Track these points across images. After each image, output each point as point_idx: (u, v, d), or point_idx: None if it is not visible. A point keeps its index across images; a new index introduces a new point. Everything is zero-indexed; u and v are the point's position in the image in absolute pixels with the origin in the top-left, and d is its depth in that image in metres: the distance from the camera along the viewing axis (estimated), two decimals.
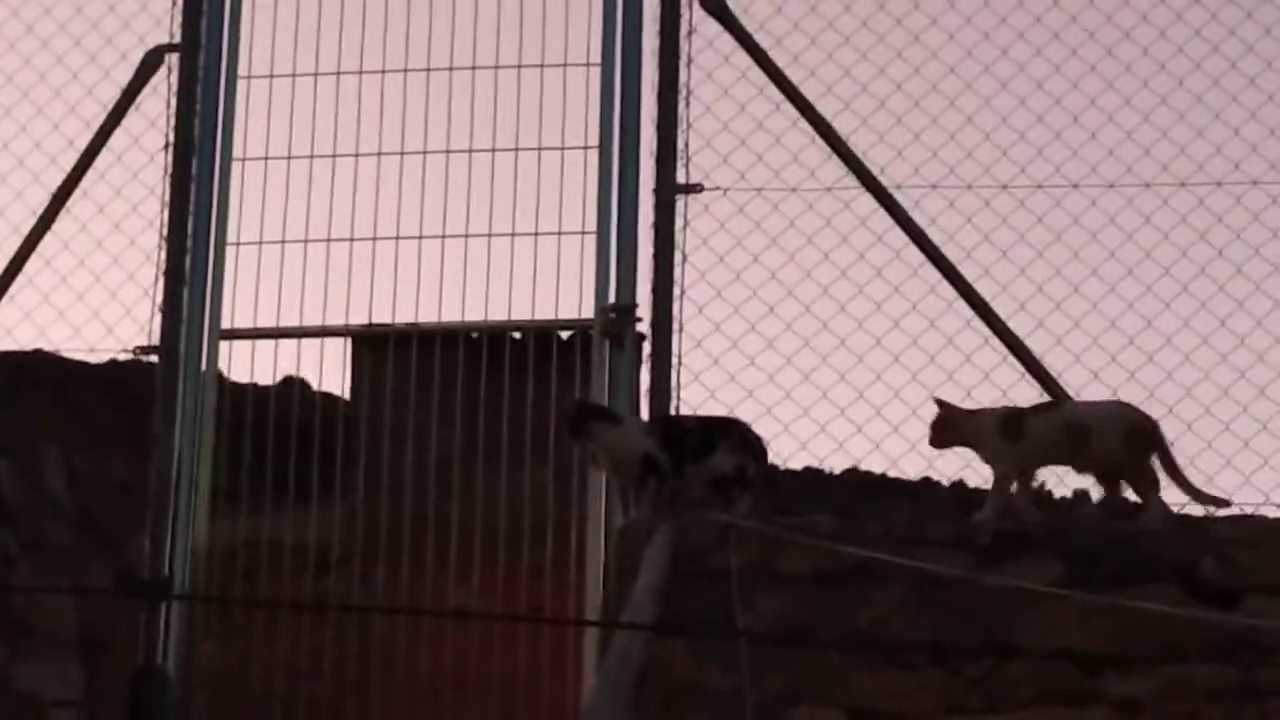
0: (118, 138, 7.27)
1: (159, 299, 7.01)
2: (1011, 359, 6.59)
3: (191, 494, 6.86)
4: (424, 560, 6.79)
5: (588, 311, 6.75)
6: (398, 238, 7.01)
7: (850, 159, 6.81)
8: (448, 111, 7.04)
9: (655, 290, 6.68)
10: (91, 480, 7.09)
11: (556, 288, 6.85)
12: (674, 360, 6.62)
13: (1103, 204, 6.74)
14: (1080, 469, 5.94)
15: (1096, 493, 6.08)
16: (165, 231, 7.07)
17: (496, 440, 6.85)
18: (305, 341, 7.05)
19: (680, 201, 6.74)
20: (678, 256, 6.71)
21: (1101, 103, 6.84)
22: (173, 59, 7.21)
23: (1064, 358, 6.60)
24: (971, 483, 6.70)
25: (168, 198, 7.09)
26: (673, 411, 6.54)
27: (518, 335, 6.97)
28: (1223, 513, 5.88)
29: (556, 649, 6.61)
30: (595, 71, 6.91)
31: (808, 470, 7.02)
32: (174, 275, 7.02)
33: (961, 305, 6.68)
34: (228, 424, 6.97)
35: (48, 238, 7.27)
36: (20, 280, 7.24)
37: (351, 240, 7.04)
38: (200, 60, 7.17)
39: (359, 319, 7.03)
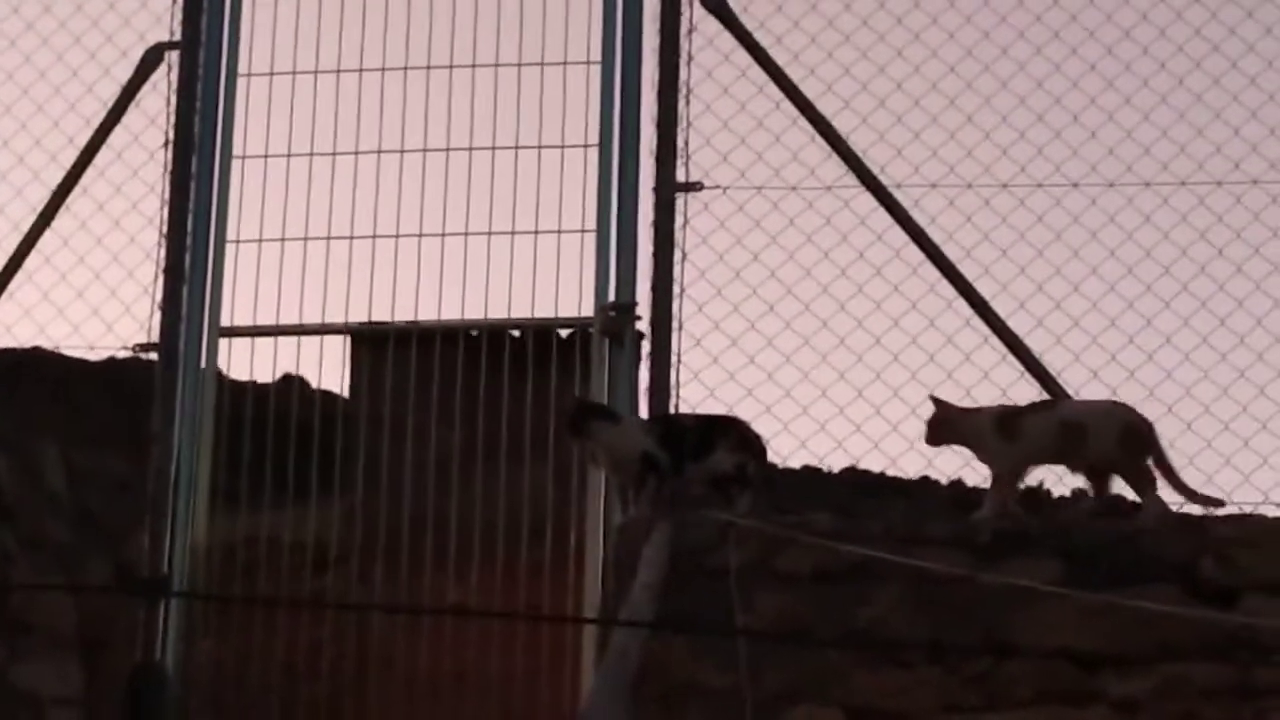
0: (118, 135, 7.28)
1: (159, 296, 7.01)
2: (1011, 358, 6.60)
3: (190, 492, 6.86)
4: (423, 559, 6.79)
5: (587, 310, 6.75)
6: (397, 236, 7.01)
7: (850, 157, 6.81)
8: (448, 109, 7.04)
9: (655, 288, 6.68)
10: (91, 478, 7.10)
11: (556, 286, 6.86)
12: (673, 358, 6.62)
13: (1102, 203, 6.74)
14: (1074, 468, 5.95)
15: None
16: (165, 229, 7.07)
17: (496, 438, 6.85)
18: (305, 339, 7.05)
19: (680, 200, 6.74)
20: (677, 255, 6.71)
21: (1101, 102, 6.84)
22: (173, 56, 7.21)
23: (1063, 356, 6.61)
24: (970, 481, 6.71)
25: (167, 195, 7.09)
26: (672, 410, 6.54)
27: (517, 333, 6.97)
28: (1222, 512, 5.89)
29: (555, 647, 6.61)
30: (595, 69, 6.91)
31: (806, 469, 7.02)
32: (174, 273, 7.02)
33: (961, 304, 6.68)
34: (227, 422, 6.97)
35: (47, 235, 7.27)
36: (20, 277, 7.24)
37: (351, 238, 7.04)
38: (200, 57, 7.17)
39: (358, 317, 7.02)
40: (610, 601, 5.90)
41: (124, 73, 7.29)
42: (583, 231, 6.82)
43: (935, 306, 6.70)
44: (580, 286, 6.78)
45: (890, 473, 6.87)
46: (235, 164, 7.13)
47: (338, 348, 7.08)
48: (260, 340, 7.03)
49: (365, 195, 7.05)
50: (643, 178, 6.78)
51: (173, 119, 7.15)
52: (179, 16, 7.21)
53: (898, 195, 6.77)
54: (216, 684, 6.93)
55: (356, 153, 7.09)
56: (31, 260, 7.26)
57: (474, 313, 6.94)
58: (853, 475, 7.30)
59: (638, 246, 6.74)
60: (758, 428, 6.15)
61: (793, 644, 5.53)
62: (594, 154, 6.85)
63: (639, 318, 6.69)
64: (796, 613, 5.59)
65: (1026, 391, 6.49)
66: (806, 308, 6.75)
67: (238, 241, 7.09)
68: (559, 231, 6.87)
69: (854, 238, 6.81)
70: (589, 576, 6.56)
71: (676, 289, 6.68)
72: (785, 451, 6.58)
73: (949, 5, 6.94)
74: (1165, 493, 5.84)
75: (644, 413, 6.52)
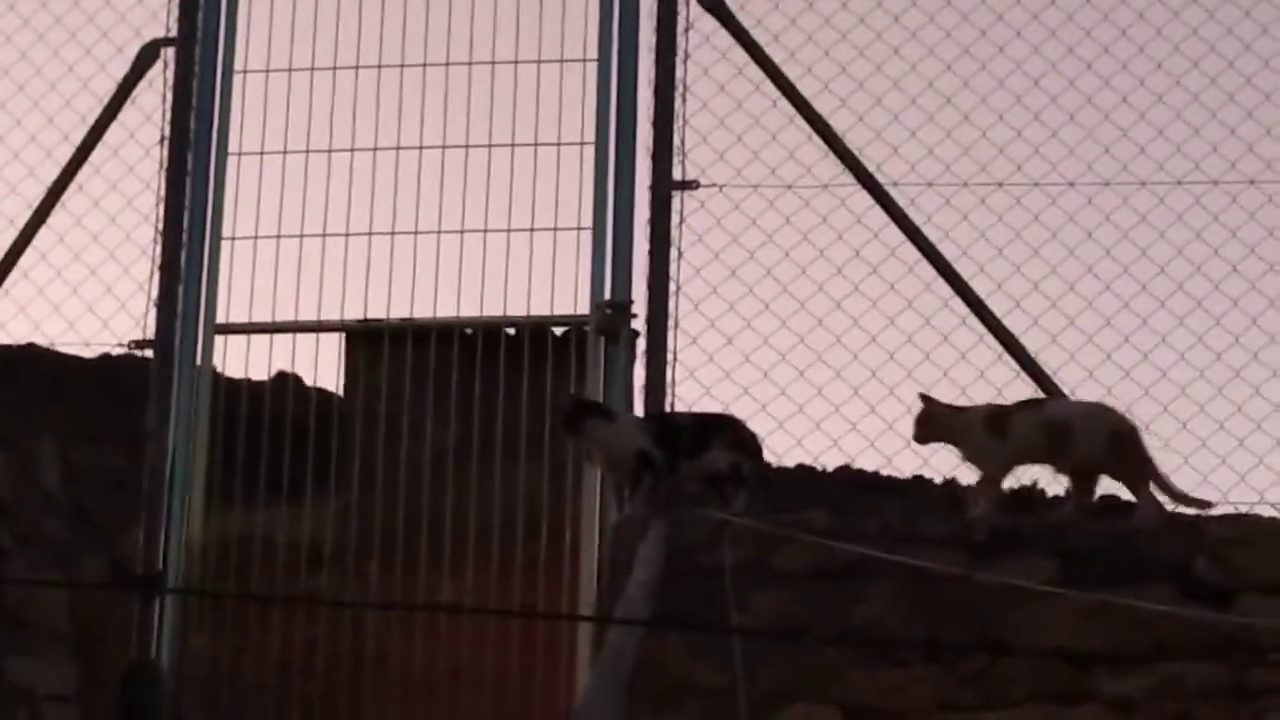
0: (113, 132, 7.27)
1: (154, 293, 7.00)
2: (1006, 357, 6.60)
3: (186, 489, 6.85)
4: (418, 557, 6.79)
5: (583, 307, 6.75)
6: (393, 233, 7.01)
7: (846, 156, 6.81)
8: (444, 107, 7.04)
9: (650, 286, 6.68)
10: (86, 474, 7.10)
11: (552, 283, 6.86)
12: (669, 356, 6.62)
13: (1098, 202, 6.74)
14: (1059, 469, 5.96)
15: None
16: (161, 225, 7.06)
17: (491, 436, 6.85)
18: (300, 337, 7.05)
19: (676, 198, 6.74)
20: (673, 253, 6.71)
21: (1098, 101, 6.84)
22: (169, 53, 7.20)
23: (1059, 355, 6.61)
24: (965, 480, 6.71)
25: (163, 192, 7.09)
26: (667, 408, 6.54)
27: (512, 331, 6.97)
28: (1217, 512, 5.89)
29: (550, 645, 6.61)
30: (592, 67, 6.91)
31: (800, 467, 7.03)
32: (169, 269, 7.02)
33: (957, 303, 6.68)
34: (222, 419, 6.96)
35: (43, 231, 7.26)
36: (15, 274, 7.24)
37: (347, 235, 7.04)
38: (196, 54, 7.16)
39: (354, 314, 7.02)
40: (605, 599, 5.90)
41: (120, 69, 7.29)
42: (578, 229, 6.82)
43: (931, 305, 6.71)
44: (576, 284, 6.79)
45: (884, 472, 6.87)
46: (231, 161, 7.13)
47: (333, 345, 7.09)
48: (255, 338, 7.03)
49: (361, 192, 7.07)
50: (639, 175, 6.78)
51: (169, 115, 7.14)
52: (175, 13, 7.21)
53: (894, 194, 6.77)
54: (211, 681, 6.94)
55: (352, 150, 7.09)
56: (27, 257, 7.25)
57: (469, 310, 6.94)
58: (847, 474, 7.30)
59: (633, 244, 6.74)
60: (753, 426, 6.15)
61: (788, 642, 5.53)
62: (590, 151, 6.85)
63: (635, 315, 6.69)
64: (792, 611, 5.59)
65: (1022, 390, 6.50)
66: (802, 306, 6.75)
67: (233, 238, 7.08)
68: (555, 229, 6.88)
69: (850, 236, 6.82)
70: (584, 574, 6.56)
71: (672, 287, 6.68)
72: (780, 450, 6.59)
73: (946, 3, 6.95)
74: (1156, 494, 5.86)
75: (639, 411, 6.52)
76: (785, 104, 6.87)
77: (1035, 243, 6.74)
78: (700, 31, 6.89)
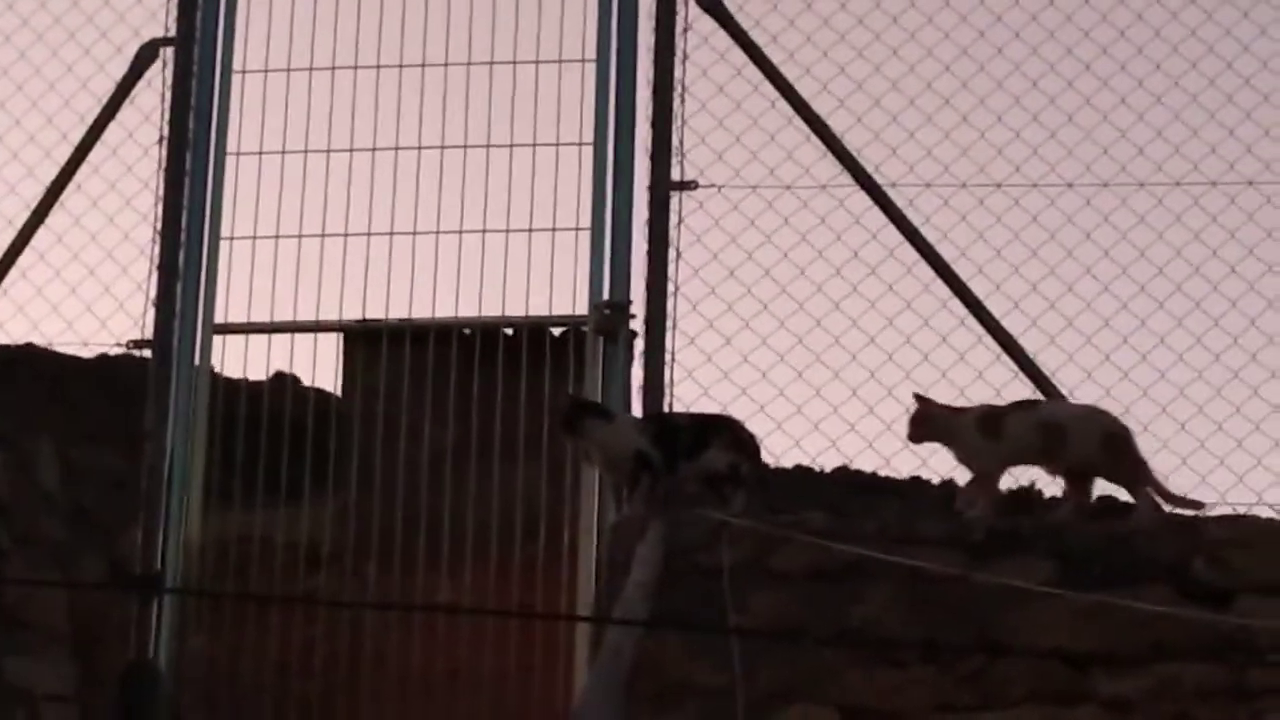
0: (112, 131, 7.27)
1: (153, 293, 7.00)
2: (1005, 357, 6.60)
3: (184, 489, 6.85)
4: (416, 557, 6.79)
5: (581, 308, 6.75)
6: (392, 233, 7.01)
7: (845, 157, 6.81)
8: (442, 107, 7.04)
9: (649, 287, 6.68)
10: (84, 475, 7.09)
11: (550, 284, 6.85)
12: (667, 357, 6.62)
13: (1097, 203, 6.75)
14: (1052, 470, 5.97)
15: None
16: (159, 225, 7.06)
17: (489, 436, 6.84)
18: (298, 337, 7.05)
19: (674, 198, 6.74)
20: (671, 253, 6.71)
21: (1096, 102, 6.84)
22: (167, 53, 7.20)
23: (1057, 356, 6.61)
24: (962, 482, 6.69)
25: (162, 192, 7.08)
26: (665, 408, 6.54)
27: (511, 331, 6.96)
28: (1215, 513, 5.90)
29: (548, 646, 6.60)
30: (590, 68, 6.91)
31: (798, 468, 7.02)
32: (168, 269, 7.01)
33: (955, 304, 6.68)
34: (220, 419, 6.96)
35: (41, 231, 7.26)
36: (13, 273, 7.24)
37: (345, 235, 7.03)
38: (195, 54, 7.16)
39: (352, 314, 7.02)
40: (603, 600, 5.90)
41: (119, 69, 7.29)
42: (577, 230, 6.82)
43: (929, 306, 6.71)
44: (574, 284, 6.79)
45: (882, 473, 6.87)
46: (230, 160, 7.12)
47: (331, 346, 7.09)
48: (254, 338, 7.02)
49: (360, 192, 7.06)
50: (637, 176, 6.78)
51: (167, 115, 7.14)
52: (174, 13, 7.21)
53: (892, 195, 6.77)
54: (209, 681, 6.93)
55: (351, 150, 7.09)
56: (25, 256, 7.25)
57: (468, 310, 6.94)
58: (845, 475, 7.29)
59: (632, 245, 6.74)
60: (751, 426, 6.15)
61: (786, 643, 5.53)
62: (589, 152, 6.85)
63: (633, 316, 6.69)
64: (790, 612, 5.59)
65: (1020, 391, 6.50)
66: (800, 307, 6.75)
67: (232, 238, 7.08)
68: (553, 229, 6.88)
69: (848, 237, 6.82)
70: (582, 575, 6.56)
71: (670, 287, 6.68)
72: (778, 450, 6.59)
73: (944, 4, 6.95)
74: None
75: (637, 411, 6.52)
76: (784, 105, 6.87)
77: (1034, 243, 6.74)
78: (699, 32, 6.90)
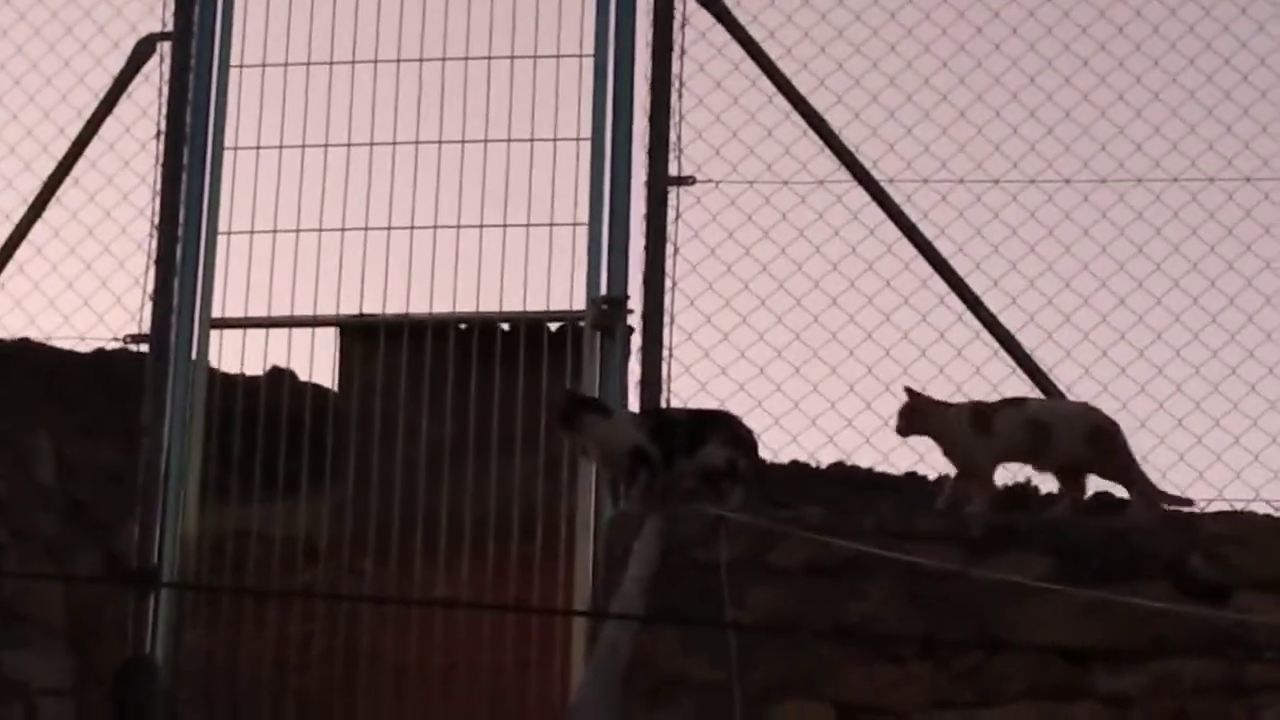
0: (109, 126, 7.27)
1: (150, 288, 7.00)
2: (1002, 353, 6.60)
3: (181, 483, 6.85)
4: (413, 552, 6.78)
5: (578, 303, 6.74)
6: (389, 228, 7.00)
7: (843, 152, 6.81)
8: (440, 102, 7.03)
9: (646, 282, 6.68)
10: (81, 469, 7.08)
11: (547, 279, 6.84)
12: (664, 352, 6.62)
13: (1095, 199, 6.75)
14: (1041, 467, 5.98)
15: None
16: (156, 220, 7.06)
17: (486, 432, 6.84)
18: (295, 332, 7.04)
19: (672, 194, 6.74)
20: (669, 249, 6.71)
21: (1094, 98, 6.85)
22: (165, 47, 7.20)
23: (1055, 351, 6.61)
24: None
25: (159, 186, 7.08)
26: (663, 404, 6.54)
27: (508, 327, 6.96)
28: (1212, 509, 5.91)
29: (545, 640, 6.60)
30: (588, 63, 6.91)
31: (795, 464, 7.02)
32: (165, 264, 7.01)
33: (953, 299, 6.68)
34: (217, 414, 6.95)
35: (38, 225, 7.26)
36: (10, 268, 7.24)
37: (342, 230, 7.03)
38: (192, 49, 7.16)
39: (349, 309, 7.02)
40: (601, 595, 5.90)
41: (116, 64, 7.29)
42: (574, 225, 6.82)
43: (927, 301, 6.71)
44: (571, 280, 6.78)
45: (879, 468, 6.87)
46: (227, 155, 7.11)
47: (328, 340, 7.08)
48: (251, 332, 7.02)
49: (357, 187, 7.05)
50: (635, 171, 6.78)
51: (164, 110, 7.14)
52: (171, 7, 7.21)
53: (890, 190, 6.77)
54: (206, 675, 6.93)
55: (348, 145, 7.08)
56: (22, 251, 7.25)
57: (465, 306, 6.93)
58: (842, 470, 7.29)
59: (629, 240, 6.73)
60: (749, 422, 6.15)
61: (783, 638, 5.53)
62: (586, 147, 6.85)
63: (630, 311, 6.68)
64: (787, 607, 5.59)
65: (1018, 387, 6.50)
66: (798, 302, 6.76)
67: (229, 233, 7.08)
68: (551, 225, 6.87)
69: (846, 233, 6.82)
70: (579, 570, 6.55)
71: (668, 283, 6.68)
72: (776, 446, 6.59)
73: (942, 0, 6.95)
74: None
75: (635, 407, 6.52)
76: (781, 100, 6.87)
77: (1031, 239, 6.75)
78: (696, 27, 6.90)
